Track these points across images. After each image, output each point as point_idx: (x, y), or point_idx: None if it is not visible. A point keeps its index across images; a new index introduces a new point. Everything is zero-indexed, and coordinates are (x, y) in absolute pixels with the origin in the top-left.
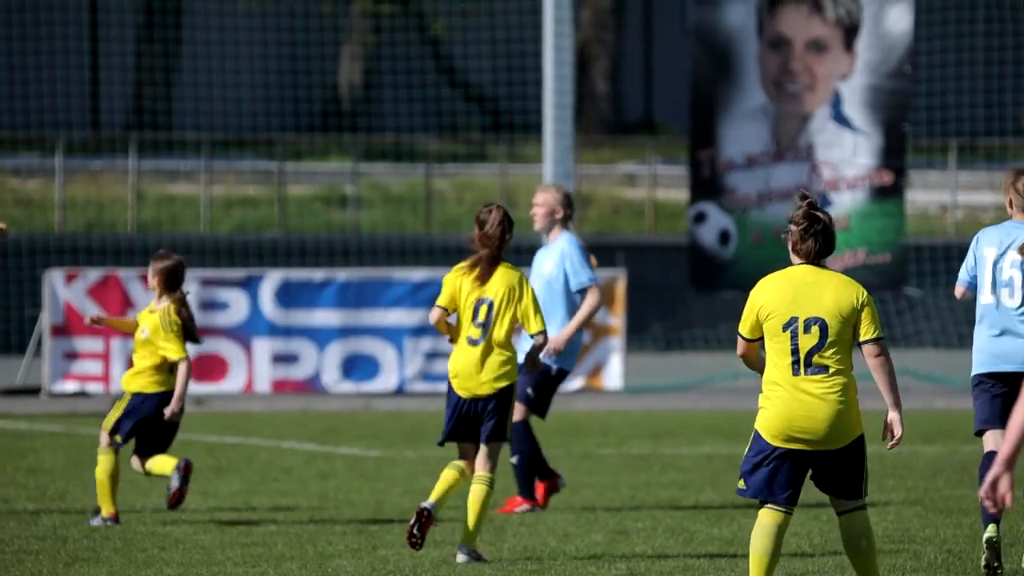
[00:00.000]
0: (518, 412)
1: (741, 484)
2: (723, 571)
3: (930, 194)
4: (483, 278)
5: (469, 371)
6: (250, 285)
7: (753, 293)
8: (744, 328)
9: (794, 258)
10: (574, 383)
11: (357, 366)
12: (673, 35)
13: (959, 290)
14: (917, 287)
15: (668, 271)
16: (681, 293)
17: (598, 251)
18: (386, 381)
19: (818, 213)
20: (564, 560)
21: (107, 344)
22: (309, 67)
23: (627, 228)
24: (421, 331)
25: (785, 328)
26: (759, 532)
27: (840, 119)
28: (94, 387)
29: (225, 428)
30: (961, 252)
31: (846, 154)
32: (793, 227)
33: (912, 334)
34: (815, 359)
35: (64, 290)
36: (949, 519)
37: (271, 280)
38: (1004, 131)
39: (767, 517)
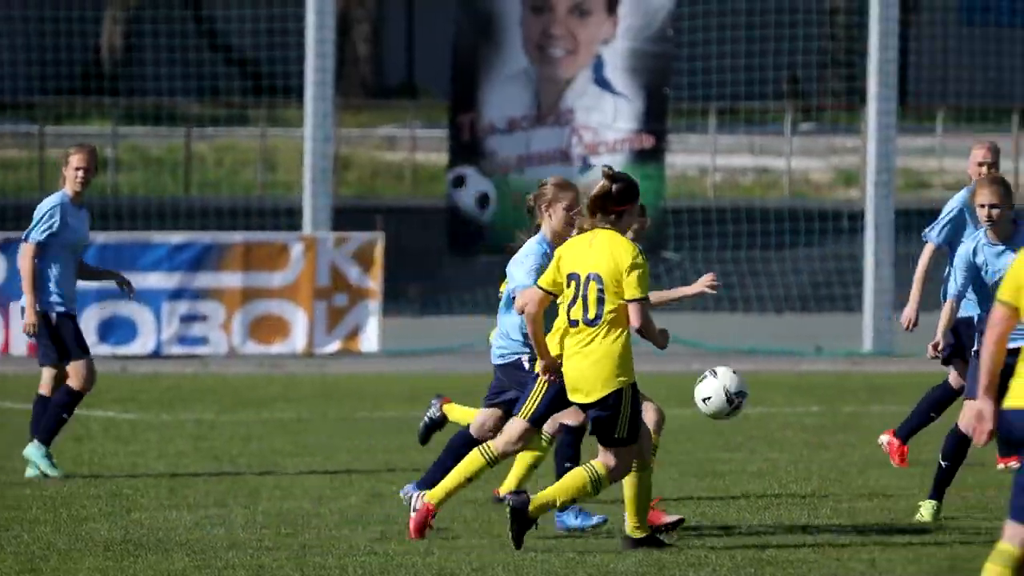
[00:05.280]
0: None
1: None
2: (477, 534)
3: (690, 157)
4: None
5: None
6: (9, 248)
7: None
8: None
9: None
10: (330, 346)
11: (114, 329)
12: None
13: None
14: (676, 250)
15: (427, 234)
16: (439, 256)
17: (357, 214)
18: (143, 344)
19: None
20: (319, 523)
21: None
22: (71, 29)
23: (386, 191)
24: (178, 294)
25: None
26: None
27: (602, 83)
28: None
29: None
30: (720, 215)
31: (607, 118)
32: None
33: None
34: None
35: None
36: (703, 482)
37: None
38: (765, 95)
39: None
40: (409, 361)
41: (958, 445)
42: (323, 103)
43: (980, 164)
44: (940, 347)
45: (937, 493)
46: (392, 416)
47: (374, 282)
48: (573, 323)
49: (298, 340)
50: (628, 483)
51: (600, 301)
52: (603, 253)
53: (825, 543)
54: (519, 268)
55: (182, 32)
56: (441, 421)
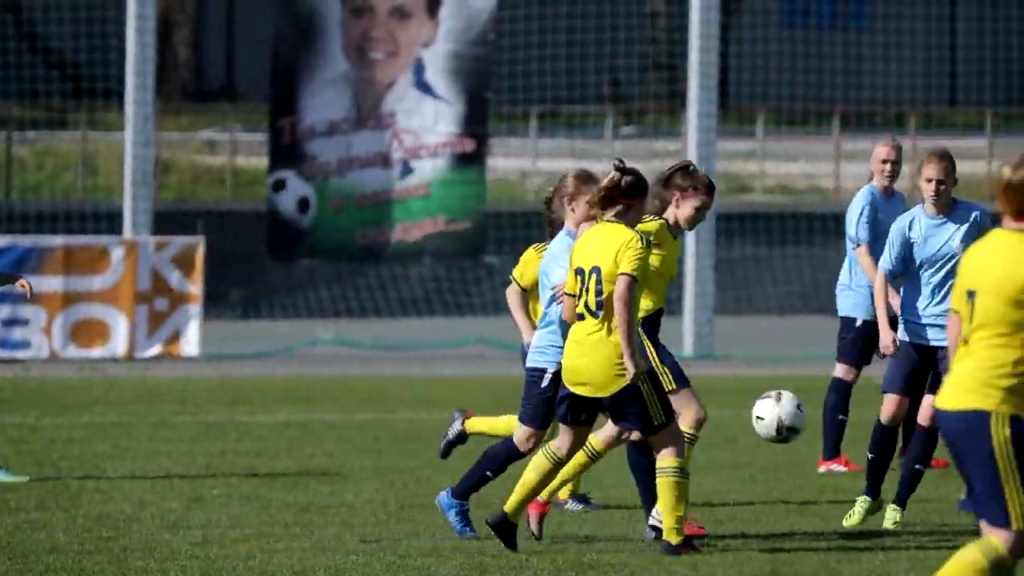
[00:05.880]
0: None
1: None
2: (298, 538)
3: (510, 161)
4: None
5: None
6: None
7: None
8: None
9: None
10: (151, 350)
11: None
12: (256, 2)
13: None
14: (496, 255)
15: (247, 238)
16: (260, 260)
17: (178, 218)
18: None
19: None
20: (140, 527)
21: None
22: None
23: (206, 195)
24: (0, 298)
25: None
26: None
27: (423, 86)
28: None
29: None
30: (540, 219)
31: (428, 122)
32: None
33: (490, 302)
34: None
35: None
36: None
37: None
38: (586, 98)
39: None
40: (230, 365)
41: (884, 437)
42: (143, 107)
43: (884, 161)
44: (897, 342)
45: (873, 491)
46: (213, 420)
47: (195, 286)
48: (580, 316)
49: (119, 344)
50: (535, 466)
51: (600, 292)
52: (605, 245)
53: (647, 547)
54: (555, 267)
55: (2, 35)
56: (463, 437)
